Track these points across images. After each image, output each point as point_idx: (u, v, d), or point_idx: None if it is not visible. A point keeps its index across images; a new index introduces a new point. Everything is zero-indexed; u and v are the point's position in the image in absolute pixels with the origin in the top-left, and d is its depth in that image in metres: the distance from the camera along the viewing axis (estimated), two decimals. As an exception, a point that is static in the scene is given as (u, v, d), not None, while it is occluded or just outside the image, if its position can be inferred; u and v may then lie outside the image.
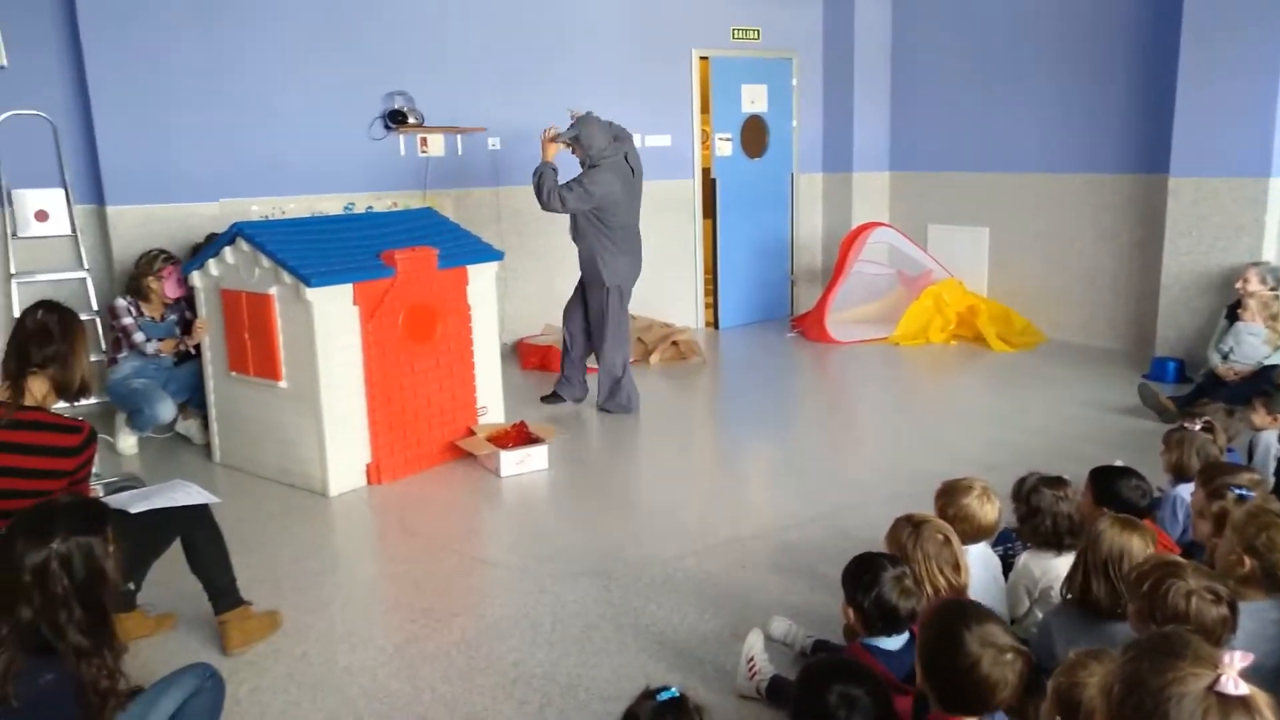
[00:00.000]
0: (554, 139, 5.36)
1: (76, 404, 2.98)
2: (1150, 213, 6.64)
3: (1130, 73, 6.68)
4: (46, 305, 2.88)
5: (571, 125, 5.39)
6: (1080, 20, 6.92)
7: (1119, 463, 3.35)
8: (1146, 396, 5.39)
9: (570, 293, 5.81)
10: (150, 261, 5.16)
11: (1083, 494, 3.23)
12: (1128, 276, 6.93)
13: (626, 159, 5.45)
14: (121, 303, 5.13)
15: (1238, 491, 2.58)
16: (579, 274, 5.66)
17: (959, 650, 1.79)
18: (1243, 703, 1.23)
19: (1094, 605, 2.37)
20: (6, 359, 2.81)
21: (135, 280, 5.19)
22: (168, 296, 5.19)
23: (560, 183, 5.33)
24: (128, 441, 5.12)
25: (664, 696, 2.00)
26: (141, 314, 5.16)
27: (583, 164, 5.44)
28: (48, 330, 2.80)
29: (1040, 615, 2.87)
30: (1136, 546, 2.39)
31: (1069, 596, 2.51)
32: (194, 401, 5.21)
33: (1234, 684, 1.23)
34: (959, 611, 1.86)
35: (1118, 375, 6.29)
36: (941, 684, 1.84)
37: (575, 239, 5.53)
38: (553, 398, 5.84)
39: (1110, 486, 3.06)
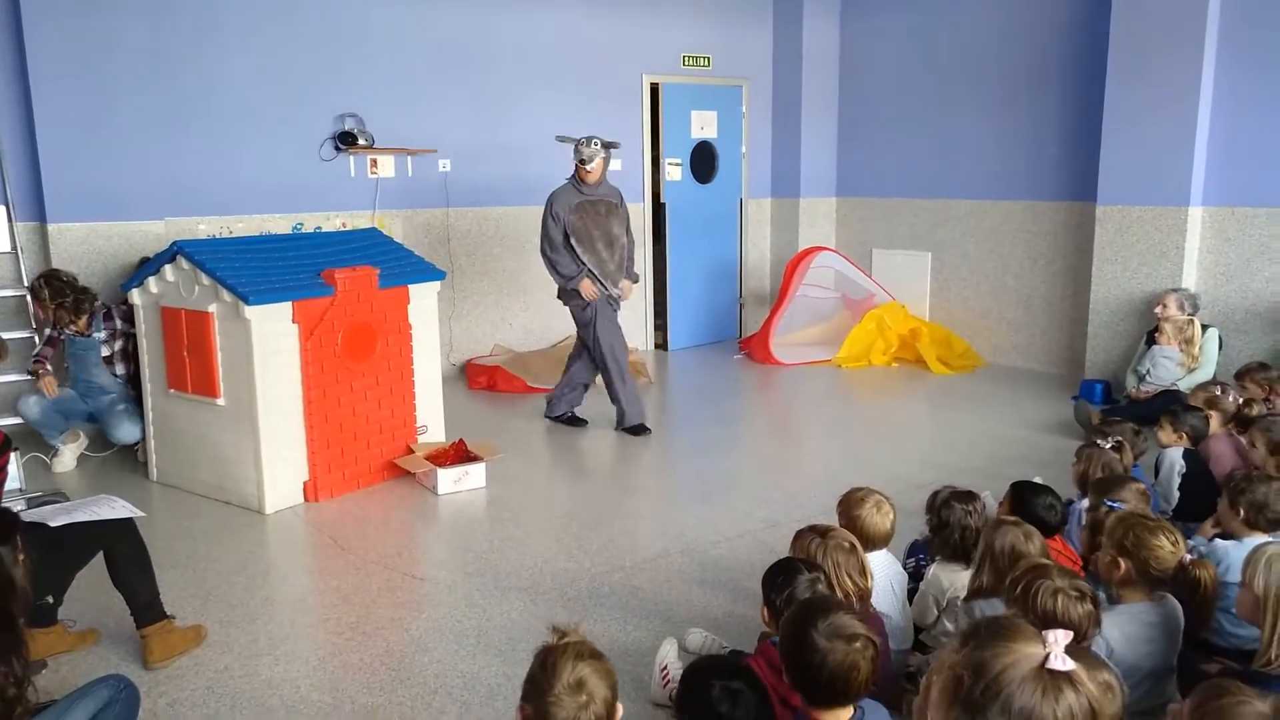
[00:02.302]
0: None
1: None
2: (1081, 239, 6.87)
3: (1064, 105, 6.93)
4: None
5: (603, 141, 5.51)
6: (1018, 54, 7.17)
7: (1038, 479, 3.50)
8: (1080, 415, 5.56)
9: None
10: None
11: (999, 510, 3.36)
12: (1061, 301, 7.14)
13: None
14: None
15: (1110, 504, 2.71)
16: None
17: (810, 648, 1.89)
18: (1069, 677, 1.33)
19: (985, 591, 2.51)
20: None
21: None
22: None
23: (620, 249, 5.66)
24: (63, 461, 5.11)
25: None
26: (65, 329, 5.19)
27: (598, 181, 5.54)
28: None
29: (948, 624, 2.98)
30: (1031, 551, 2.54)
31: (974, 592, 2.65)
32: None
33: (1062, 660, 1.32)
34: (807, 611, 1.95)
35: (1050, 397, 6.47)
36: (803, 682, 1.93)
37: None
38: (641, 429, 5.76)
39: (1026, 502, 3.19)
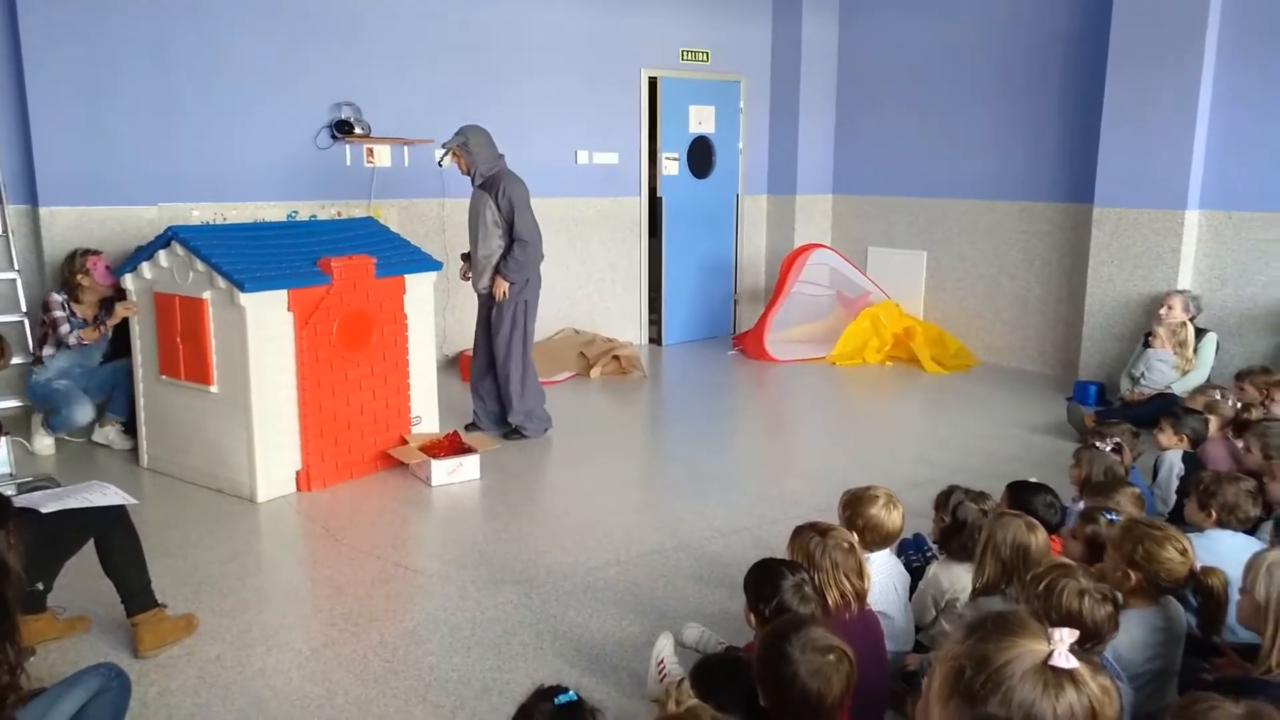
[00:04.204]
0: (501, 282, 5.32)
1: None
2: (1077, 241, 6.88)
3: (1062, 106, 6.93)
4: None
5: (457, 134, 5.27)
6: (1018, 54, 7.16)
7: (1034, 479, 3.49)
8: (1073, 416, 5.56)
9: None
10: (72, 259, 5.20)
11: (998, 506, 3.35)
12: (1056, 302, 7.15)
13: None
14: (56, 297, 5.15)
15: (1109, 516, 2.71)
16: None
17: (783, 661, 1.86)
18: (1071, 675, 1.31)
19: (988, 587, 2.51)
20: None
21: (66, 283, 5.22)
22: (100, 284, 5.17)
23: (511, 247, 5.27)
24: (44, 442, 5.12)
25: (562, 699, 2.04)
26: (74, 315, 5.17)
27: (470, 175, 5.30)
28: None
29: (946, 625, 2.97)
30: (1035, 544, 2.55)
31: (977, 587, 2.65)
32: (113, 407, 5.25)
33: (1065, 658, 1.31)
34: (784, 627, 1.92)
35: (1044, 398, 6.48)
36: (774, 700, 1.90)
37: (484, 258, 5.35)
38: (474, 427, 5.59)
39: (1025, 500, 3.18)
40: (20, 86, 5.45)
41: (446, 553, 3.94)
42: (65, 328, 5.10)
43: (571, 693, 2.07)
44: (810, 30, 8.34)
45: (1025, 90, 7.14)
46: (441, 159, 5.40)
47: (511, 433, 5.50)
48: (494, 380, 5.53)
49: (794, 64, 8.43)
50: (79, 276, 5.15)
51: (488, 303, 5.46)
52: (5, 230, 5.51)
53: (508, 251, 5.29)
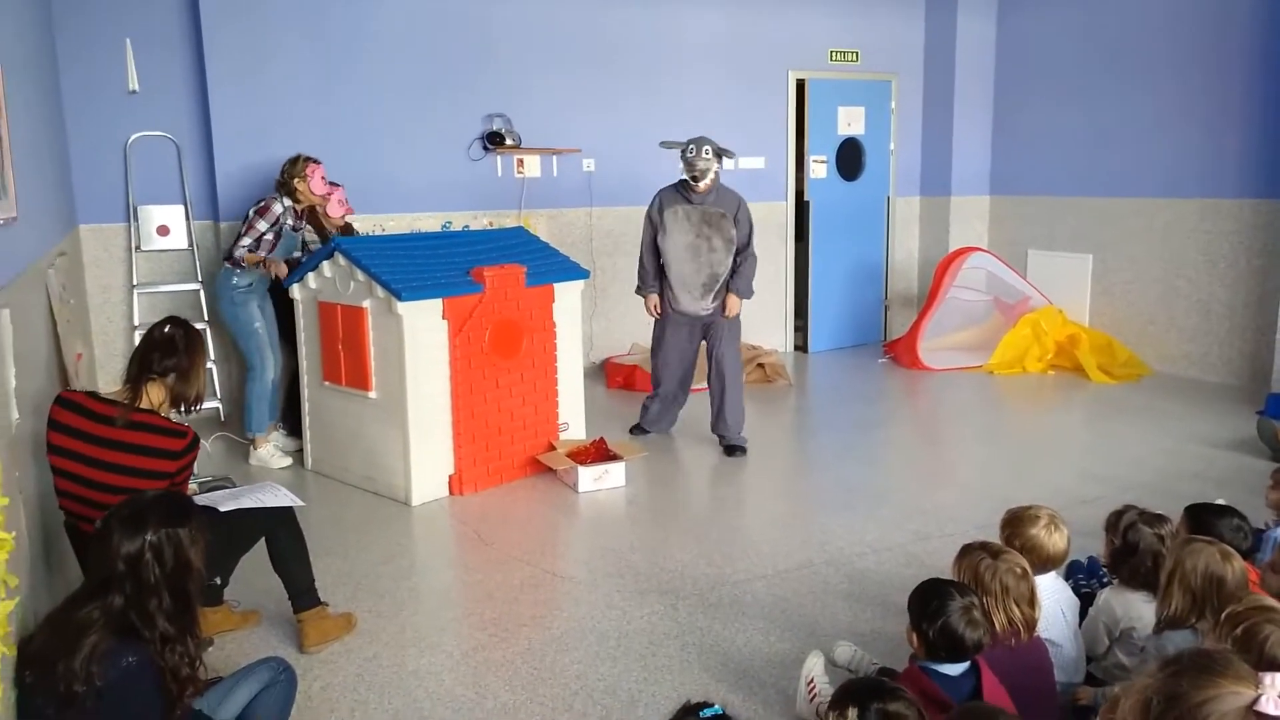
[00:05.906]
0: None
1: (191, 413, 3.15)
2: (1270, 240, 6.31)
3: (1246, 93, 6.37)
4: (175, 320, 3.10)
5: (712, 144, 5.10)
6: (1195, 36, 6.65)
7: (1219, 501, 3.21)
8: (1264, 432, 5.10)
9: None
10: (295, 162, 5.14)
11: (1177, 531, 3.10)
12: (1243, 307, 6.58)
13: None
14: (277, 207, 5.09)
15: None
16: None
17: None
18: None
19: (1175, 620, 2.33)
20: (130, 364, 3.01)
21: (285, 186, 5.17)
22: (314, 193, 5.16)
23: (741, 265, 5.28)
24: (268, 452, 5.23)
25: (707, 714, 2.00)
26: (297, 219, 5.21)
27: (708, 190, 5.15)
28: (173, 343, 3.00)
29: (1121, 656, 2.76)
30: (1231, 574, 2.34)
31: (1162, 619, 2.47)
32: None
33: (1274, 705, 1.20)
34: (975, 716, 1.78)
35: (1228, 411, 5.97)
36: None
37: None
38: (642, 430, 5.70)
39: (1207, 524, 2.93)
40: (205, 112, 5.86)
41: (593, 560, 3.96)
42: (248, 240, 5.04)
43: (718, 707, 2.04)
44: (966, 25, 8.01)
45: (1201, 78, 6.61)
46: (707, 168, 5.08)
47: (735, 449, 5.35)
48: (686, 395, 5.64)
49: (948, 61, 8.12)
50: (297, 181, 5.13)
51: (699, 320, 5.34)
52: (192, 244, 5.93)
53: (738, 269, 5.26)
